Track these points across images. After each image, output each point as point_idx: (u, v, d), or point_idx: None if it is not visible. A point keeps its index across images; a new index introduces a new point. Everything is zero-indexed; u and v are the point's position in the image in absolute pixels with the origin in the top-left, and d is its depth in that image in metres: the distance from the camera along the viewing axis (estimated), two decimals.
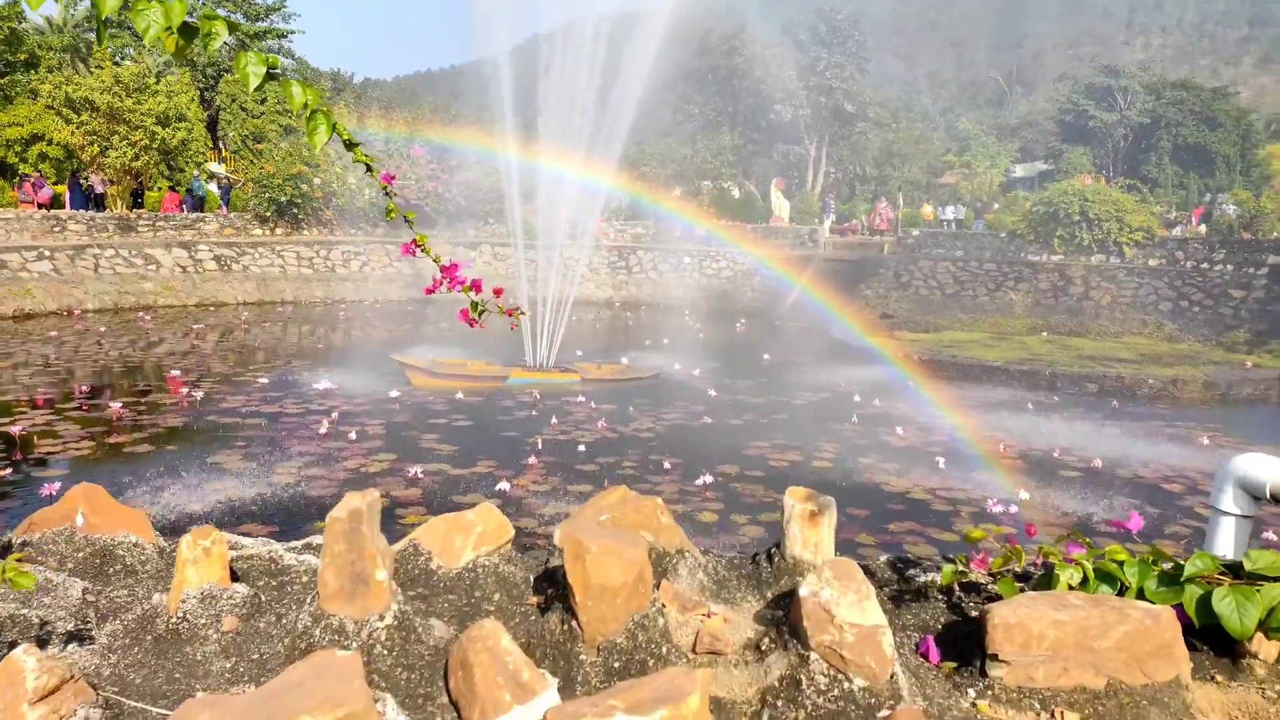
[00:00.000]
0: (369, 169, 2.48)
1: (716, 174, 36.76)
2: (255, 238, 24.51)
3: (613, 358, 15.19)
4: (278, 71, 2.08)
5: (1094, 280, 21.31)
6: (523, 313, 2.85)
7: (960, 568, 2.24)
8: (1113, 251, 21.62)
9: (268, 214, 25.02)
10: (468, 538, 2.16)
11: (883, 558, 2.52)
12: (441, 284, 2.72)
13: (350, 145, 2.39)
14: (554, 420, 10.57)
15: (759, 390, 13.15)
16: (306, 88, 2.17)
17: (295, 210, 25.17)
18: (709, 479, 8.19)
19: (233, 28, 1.91)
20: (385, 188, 2.51)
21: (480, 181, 26.25)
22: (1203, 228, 27.65)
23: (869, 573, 2.28)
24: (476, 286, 2.70)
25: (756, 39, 45.54)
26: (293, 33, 46.77)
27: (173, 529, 6.67)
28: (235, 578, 2.11)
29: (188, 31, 1.86)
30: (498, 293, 2.76)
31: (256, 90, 2.08)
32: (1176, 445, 10.43)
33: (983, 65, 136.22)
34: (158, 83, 25.94)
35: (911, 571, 2.36)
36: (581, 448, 9.34)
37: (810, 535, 2.17)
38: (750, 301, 25.34)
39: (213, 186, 27.93)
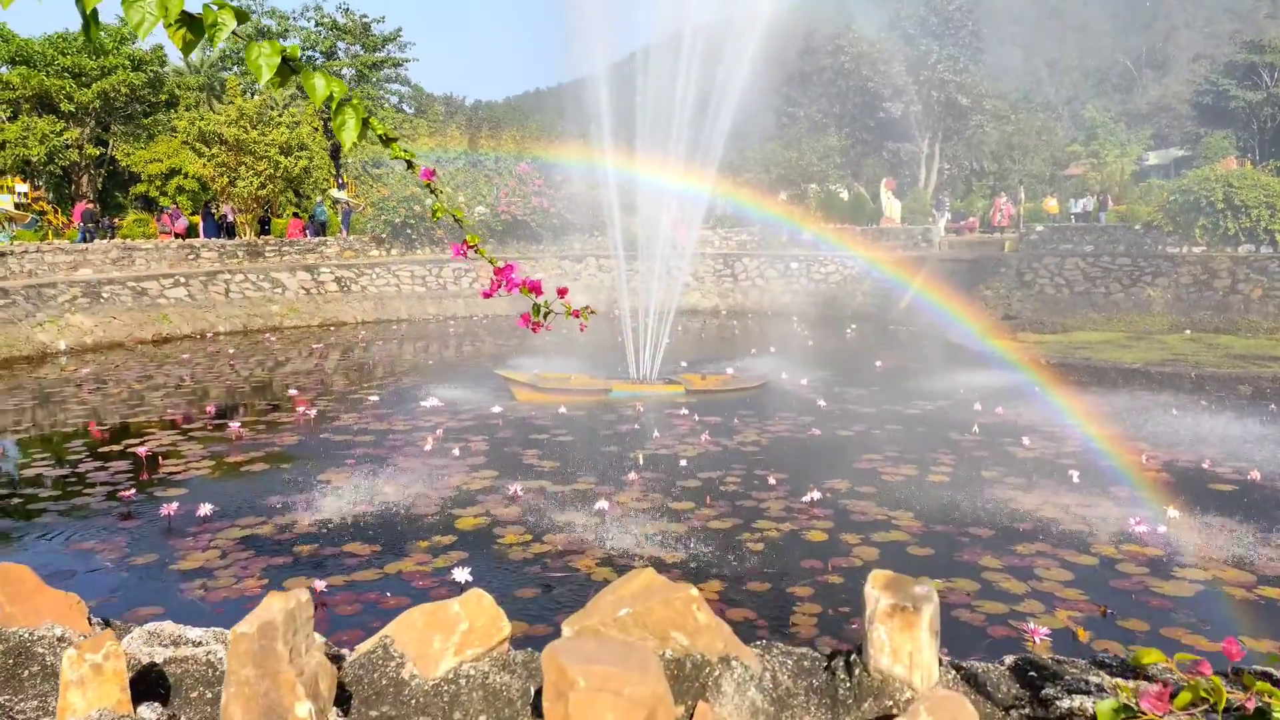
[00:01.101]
0: (410, 165, 2.31)
1: (823, 176, 35.91)
2: (372, 259, 25.42)
3: (718, 368, 14.88)
4: (296, 62, 1.92)
5: (1241, 272, 19.58)
6: (592, 311, 2.61)
7: (1126, 700, 1.51)
8: (1263, 241, 19.83)
9: (384, 235, 25.91)
10: (450, 637, 1.78)
11: (1007, 661, 2.01)
12: (500, 286, 2.53)
13: (387, 141, 2.21)
14: (656, 434, 10.35)
15: (870, 399, 12.57)
16: (331, 80, 2.00)
17: (409, 231, 25.98)
18: (817, 495, 7.78)
19: (241, 16, 1.76)
20: (428, 184, 2.34)
21: (584, 195, 26.44)
22: None
23: (986, 690, 1.76)
24: (536, 287, 2.49)
25: (863, 36, 44.37)
26: (408, 61, 48.57)
27: (280, 548, 6.79)
28: (153, 690, 1.66)
29: (193, 25, 1.71)
30: (561, 293, 2.53)
31: (272, 84, 1.92)
32: None
33: (1109, 50, 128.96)
34: (281, 115, 27.32)
35: (1048, 690, 1.82)
36: (684, 463, 9.09)
37: (902, 642, 1.70)
38: (861, 306, 24.53)
39: (336, 211, 29.20)
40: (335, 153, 37.56)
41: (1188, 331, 18.05)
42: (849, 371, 15.01)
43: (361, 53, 46.24)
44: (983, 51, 51.76)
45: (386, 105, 47.41)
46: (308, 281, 23.67)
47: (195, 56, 43.63)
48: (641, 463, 9.13)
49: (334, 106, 2.06)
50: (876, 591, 1.70)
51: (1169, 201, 21.90)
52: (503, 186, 28.57)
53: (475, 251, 2.52)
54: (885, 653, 1.68)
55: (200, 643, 1.81)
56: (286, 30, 43.78)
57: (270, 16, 43.09)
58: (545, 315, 2.55)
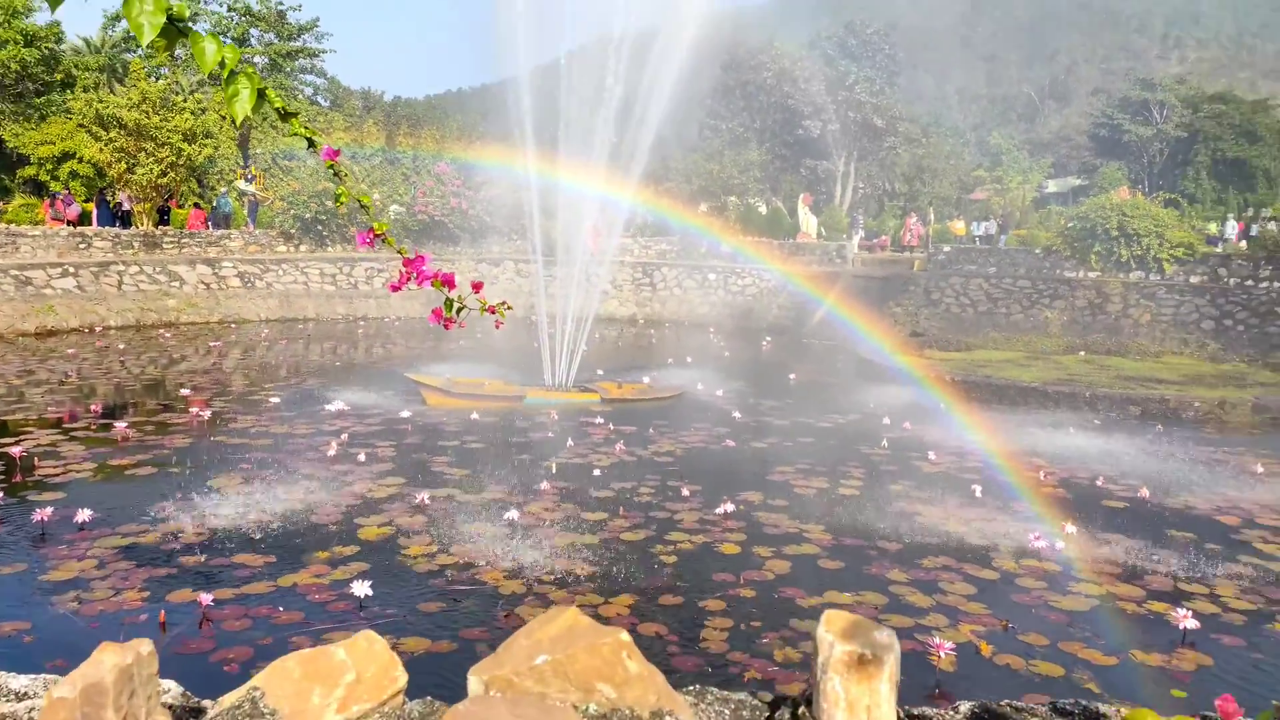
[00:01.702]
0: (311, 144, 2.13)
1: (743, 189, 36.38)
2: (280, 255, 24.49)
3: (634, 377, 14.82)
4: (184, 23, 1.74)
5: (1132, 298, 20.62)
6: (509, 308, 2.48)
7: None
8: (1152, 268, 20.93)
9: (293, 230, 25.01)
10: (333, 690, 1.46)
11: (963, 709, 1.86)
12: (409, 279, 2.36)
13: (285, 115, 2.03)
14: (570, 442, 10.20)
15: (784, 411, 12.69)
16: (223, 46, 1.82)
17: (320, 227, 25.15)
18: (730, 507, 7.77)
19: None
20: (330, 165, 2.17)
21: (504, 198, 26.09)
22: (1244, 244, 26.80)
23: None
24: (448, 281, 2.32)
25: (785, 53, 45.25)
26: (324, 52, 47.20)
27: (164, 558, 6.38)
28: None
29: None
30: (476, 288, 2.38)
31: (156, 46, 1.73)
32: (1227, 473, 9.83)
33: (1014, 80, 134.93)
34: (186, 101, 26.13)
35: None
36: (597, 472, 8.96)
37: (860, 694, 1.51)
38: (776, 319, 24.88)
39: (243, 204, 28.04)
40: (244, 142, 36.17)
41: (1082, 353, 18.88)
42: (764, 383, 15.15)
43: (276, 41, 44.72)
44: (898, 75, 53.49)
45: (300, 97, 45.95)
46: (208, 276, 22.64)
47: (96, 36, 41.50)
48: (554, 472, 8.97)
49: (225, 75, 1.88)
50: (831, 636, 1.52)
51: (1067, 228, 22.91)
52: (420, 186, 27.96)
53: (383, 241, 2.36)
54: (840, 707, 1.50)
55: (25, 695, 1.42)
56: (197, 14, 41.96)
57: None
58: (458, 311, 2.40)
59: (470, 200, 27.39)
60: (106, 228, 23.49)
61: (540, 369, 14.07)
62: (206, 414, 10.84)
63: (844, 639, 1.46)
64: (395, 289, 2.45)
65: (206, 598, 5.49)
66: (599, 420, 11.43)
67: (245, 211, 27.45)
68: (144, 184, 24.55)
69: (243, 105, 1.88)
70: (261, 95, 1.98)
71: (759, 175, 39.74)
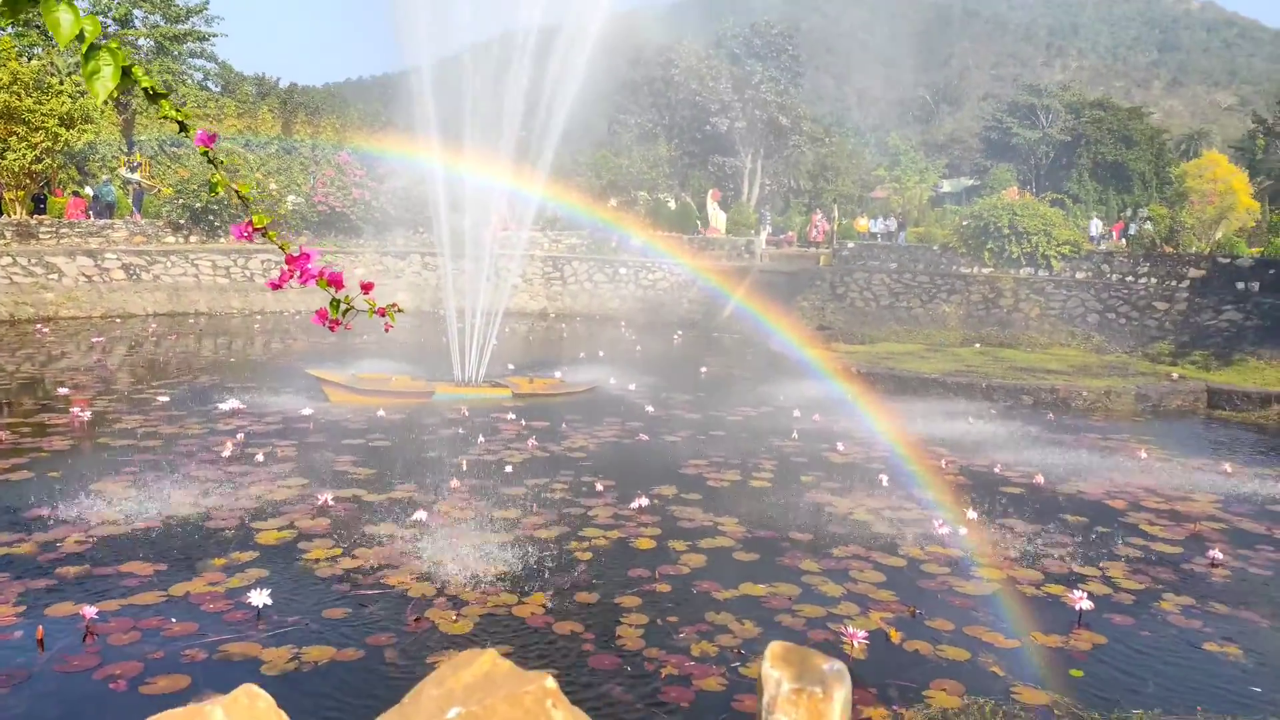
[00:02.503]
0: (182, 127, 1.97)
1: (653, 185, 36.51)
2: (168, 246, 23.26)
3: (546, 372, 14.65)
4: None
5: (1023, 293, 21.56)
6: (399, 310, 2.36)
7: None
8: (1041, 265, 21.92)
9: (182, 221, 23.81)
10: None
11: None
12: (291, 276, 2.21)
13: (155, 96, 1.86)
14: (481, 439, 9.99)
15: (696, 405, 12.76)
16: (82, 16, 1.65)
17: (212, 217, 24.00)
18: (645, 501, 7.73)
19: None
20: (205, 151, 2.00)
21: (410, 190, 25.44)
22: (1123, 242, 28.40)
23: None
24: (335, 280, 2.19)
25: (692, 51, 45.60)
26: (215, 35, 45.10)
27: (43, 570, 5.93)
28: None
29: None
30: (366, 288, 2.25)
31: (1, 13, 1.55)
32: (1115, 459, 10.35)
33: (910, 84, 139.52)
34: (63, 84, 24.52)
35: None
36: (509, 469, 8.80)
37: None
38: (687, 313, 25.04)
39: (127, 193, 26.50)
40: (128, 128, 34.25)
41: (978, 345, 19.64)
42: (676, 377, 15.19)
43: (162, 23, 42.45)
44: (801, 76, 54.61)
45: (189, 81, 43.78)
46: (90, 268, 21.31)
47: None
48: (465, 469, 8.76)
49: (84, 49, 1.69)
50: (777, 672, 1.40)
51: (962, 226, 23.79)
52: (320, 176, 27.01)
53: (264, 235, 2.20)
54: None
55: None
56: None
57: None
58: (345, 313, 2.26)
59: (374, 192, 26.62)
60: None
61: (449, 364, 13.75)
62: (88, 414, 10.17)
63: (790, 672, 1.35)
64: (275, 287, 2.30)
65: (90, 610, 5.11)
66: (510, 416, 11.24)
67: (130, 201, 25.96)
68: (16, 170, 22.92)
69: (104, 83, 1.70)
70: (126, 72, 1.80)
71: (668, 171, 39.97)
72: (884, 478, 8.86)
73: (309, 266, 2.22)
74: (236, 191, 2.32)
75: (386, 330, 2.57)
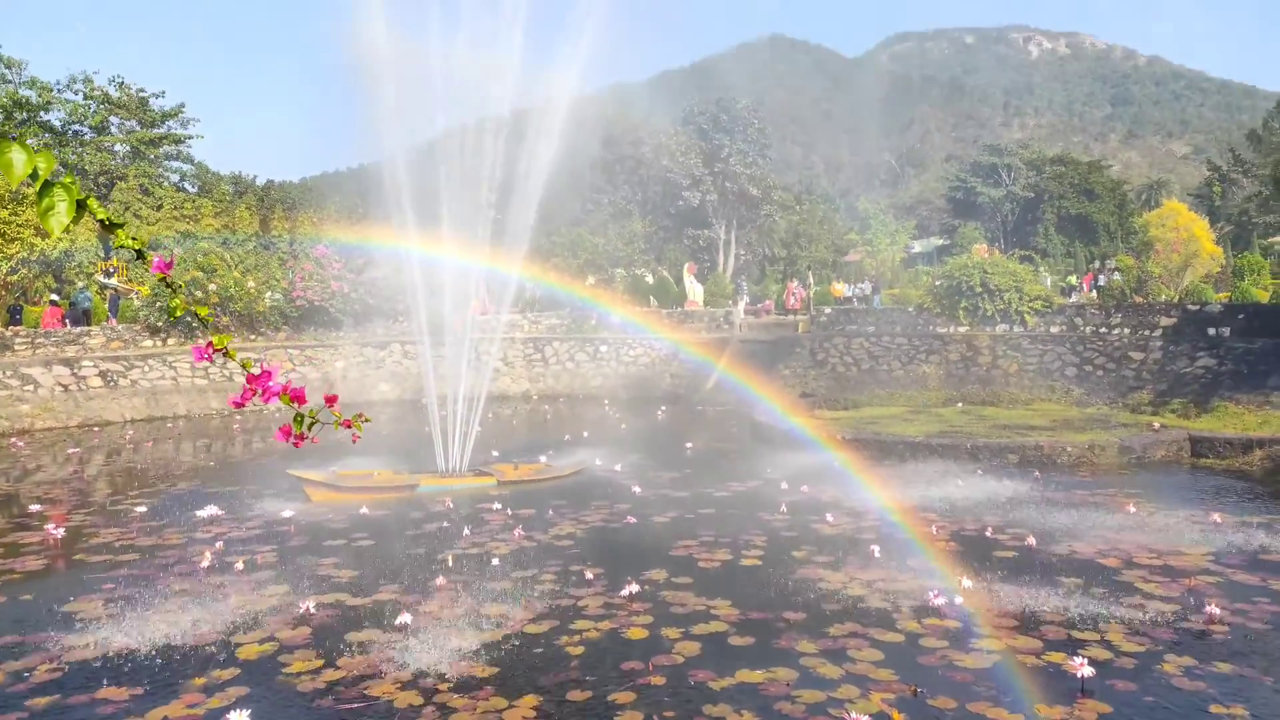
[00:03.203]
0: (139, 255, 2.00)
1: (629, 261, 36.99)
2: (145, 350, 23.17)
3: (531, 456, 14.54)
4: None
5: (1000, 349, 21.78)
6: (366, 420, 2.36)
7: None
8: (1015, 320, 22.21)
9: (160, 324, 23.78)
10: None
11: None
12: (253, 395, 2.22)
13: (111, 227, 1.89)
14: (466, 531, 9.83)
15: (684, 483, 12.66)
16: (34, 153, 1.67)
17: (189, 318, 23.98)
18: (635, 588, 7.59)
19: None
20: (162, 277, 2.02)
21: (388, 279, 25.59)
22: (1094, 293, 28.88)
23: None
24: (298, 396, 2.19)
25: (661, 129, 46.78)
26: (191, 138, 45.91)
27: (11, 702, 5.71)
28: None
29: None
30: (330, 401, 2.25)
31: None
32: (1104, 514, 10.31)
33: (875, 149, 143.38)
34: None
35: None
36: (496, 561, 8.64)
37: None
38: (670, 387, 25.08)
39: (104, 298, 26.51)
40: (105, 233, 34.47)
41: (960, 404, 19.72)
42: (661, 454, 15.12)
43: (138, 128, 43.18)
44: (768, 147, 56.00)
45: (166, 184, 44.30)
46: (66, 377, 21.15)
47: None
48: (451, 564, 8.60)
49: (38, 186, 1.71)
50: None
51: (935, 286, 24.16)
52: (298, 270, 27.16)
53: (225, 355, 2.22)
54: None
55: None
56: (49, 103, 40.14)
57: (30, 87, 39.41)
58: (310, 426, 2.25)
59: (352, 283, 26.76)
60: None
61: (433, 454, 13.63)
62: (61, 531, 9.94)
63: None
64: (238, 405, 2.32)
65: None
66: (496, 506, 11.10)
67: (106, 306, 25.96)
68: None
69: (59, 219, 1.73)
70: (81, 205, 1.83)
71: (643, 246, 40.55)
72: (875, 548, 8.77)
73: (270, 385, 2.23)
74: (195, 314, 2.34)
75: (354, 441, 2.55)
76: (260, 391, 2.23)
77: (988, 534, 9.45)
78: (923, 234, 63.86)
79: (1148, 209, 48.00)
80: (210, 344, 2.22)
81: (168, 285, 2.20)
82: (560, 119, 15.45)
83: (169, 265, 2.18)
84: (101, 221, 2.01)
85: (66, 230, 1.96)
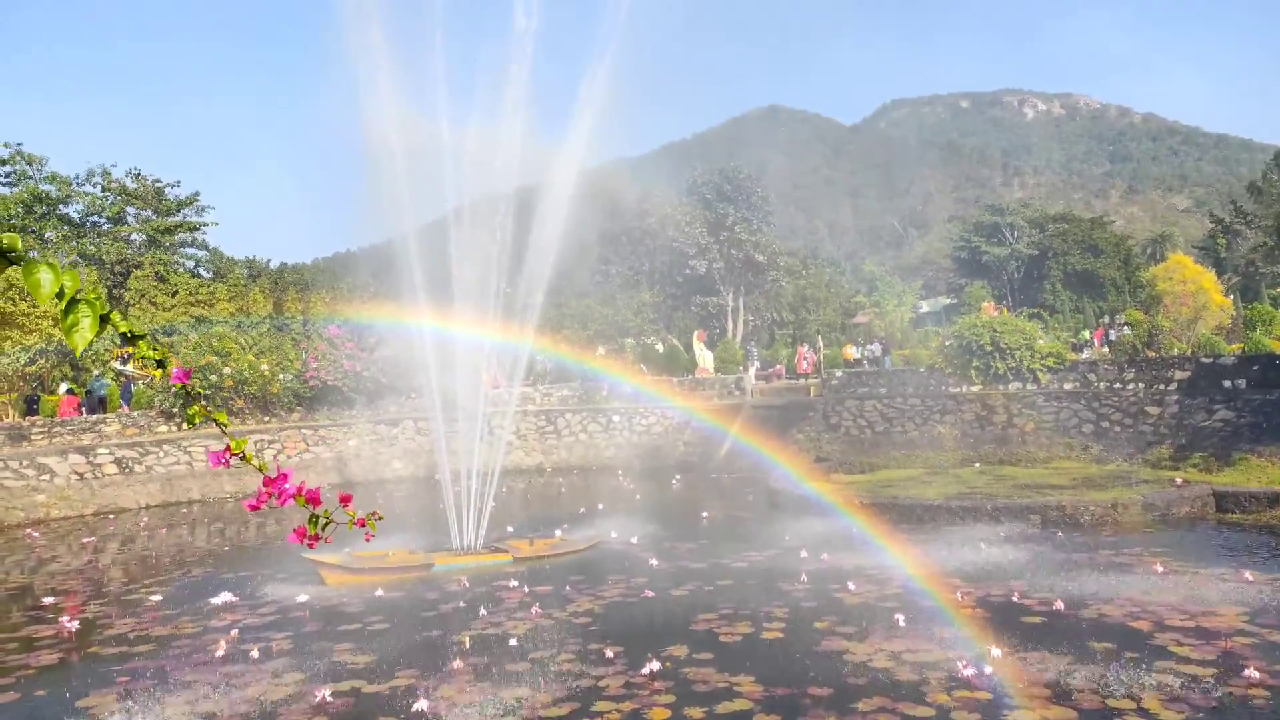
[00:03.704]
0: (160, 365, 2.04)
1: (639, 330, 37.22)
2: (160, 435, 23.29)
3: (546, 531, 14.41)
4: (17, 253, 1.66)
5: (1015, 408, 21.63)
6: (380, 518, 2.37)
7: None
8: (1028, 378, 22.11)
9: (174, 409, 23.93)
10: None
11: None
12: (269, 498, 2.23)
13: (133, 338, 1.93)
14: (483, 611, 9.70)
15: (701, 554, 12.50)
16: (61, 272, 1.73)
17: (204, 402, 24.14)
18: (656, 665, 7.44)
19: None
20: (181, 388, 2.05)
21: (399, 356, 25.79)
22: (1105, 349, 28.82)
23: None
24: (313, 498, 2.21)
25: (666, 199, 47.54)
26: (206, 225, 46.89)
27: None
28: None
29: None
30: (345, 500, 2.27)
31: None
32: (1132, 576, 10.09)
33: (877, 212, 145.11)
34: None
35: None
36: (514, 642, 8.50)
37: None
38: (684, 455, 24.94)
39: (119, 384, 26.76)
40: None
41: (977, 465, 19.51)
42: (678, 525, 14.96)
43: (154, 217, 44.18)
44: (772, 214, 56.73)
45: (182, 270, 45.12)
46: (82, 465, 21.21)
47: None
48: (468, 646, 8.46)
49: (62, 305, 1.77)
50: None
51: (946, 346, 24.14)
52: (311, 351, 27.42)
53: (242, 459, 2.24)
54: None
55: None
56: (68, 196, 41.22)
57: (50, 182, 40.54)
58: (324, 527, 2.27)
59: (364, 362, 26.97)
60: None
61: (447, 531, 13.54)
62: (76, 624, 9.85)
63: None
64: (254, 508, 2.33)
65: None
66: (513, 583, 10.97)
67: (120, 393, 26.18)
68: (10, 374, 23.22)
69: (83, 335, 1.79)
70: (105, 319, 1.89)
71: (652, 315, 40.85)
72: (900, 617, 8.59)
73: (285, 487, 2.25)
74: (214, 420, 2.38)
75: (367, 540, 2.55)
76: (277, 494, 2.26)
77: (1014, 599, 9.25)
78: (930, 294, 64.13)
79: (1153, 263, 48.21)
80: (228, 449, 2.25)
81: (186, 394, 2.24)
82: (566, 194, 15.78)
83: (187, 375, 2.22)
84: (123, 334, 2.07)
85: (89, 343, 2.04)
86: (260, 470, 2.29)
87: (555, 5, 19.69)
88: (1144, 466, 17.70)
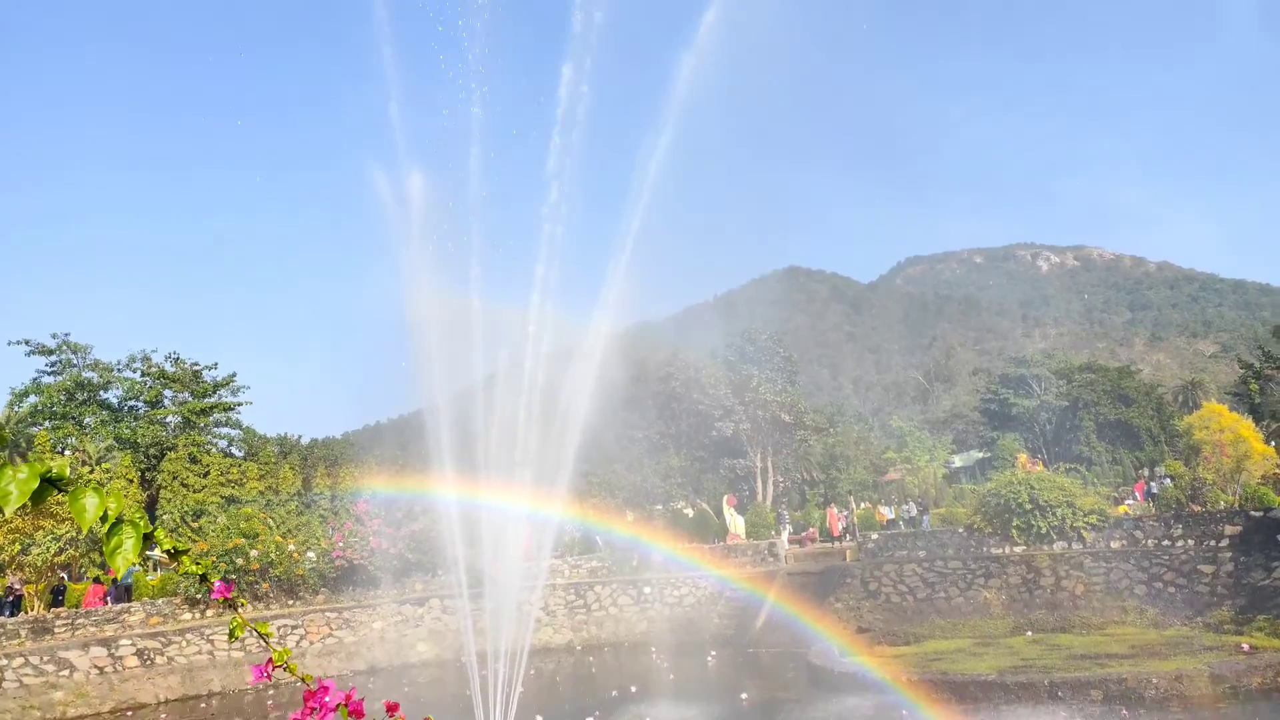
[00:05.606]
0: (203, 579, 2.03)
1: (667, 496, 36.78)
2: (184, 623, 22.84)
3: None
4: (65, 480, 1.69)
5: (1062, 569, 20.77)
6: None
7: None
8: (1072, 537, 21.36)
9: (199, 595, 23.60)
10: None
11: None
12: (311, 712, 2.15)
13: (176, 554, 1.94)
14: None
15: None
16: (105, 495, 1.74)
17: (239, 593, 23.84)
18: None
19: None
20: (224, 600, 2.04)
21: (427, 532, 25.53)
22: (1148, 503, 27.95)
23: None
24: (357, 710, 2.14)
25: (690, 364, 48.15)
26: (241, 405, 47.96)
27: None
28: None
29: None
30: (391, 710, 2.20)
31: (30, 504, 1.71)
32: None
33: (901, 366, 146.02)
34: (92, 472, 25.60)
35: None
36: None
37: None
38: (719, 628, 23.96)
39: (145, 570, 26.57)
40: (151, 504, 35.20)
41: (1029, 633, 18.53)
42: (716, 708, 14.18)
43: (190, 399, 45.30)
44: (796, 373, 57.19)
45: (214, 450, 45.74)
46: (102, 658, 20.71)
47: (1, 413, 41.25)
48: None
49: (106, 529, 1.78)
50: None
51: (984, 505, 23.53)
52: (339, 528, 27.24)
53: (286, 669, 2.19)
54: None
55: None
56: (109, 382, 42.56)
57: (92, 369, 41.99)
58: None
59: (391, 538, 26.67)
60: None
61: None
62: None
63: None
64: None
65: None
66: None
67: (146, 579, 25.93)
68: (39, 565, 23.18)
69: (126, 557, 1.79)
70: (148, 538, 1.90)
71: (680, 481, 40.48)
72: None
73: (327, 700, 2.19)
74: (257, 631, 2.33)
75: None
76: (319, 709, 2.21)
77: None
78: (961, 448, 63.29)
79: (1186, 410, 47.56)
80: (271, 661, 2.22)
81: (229, 604, 2.23)
82: (596, 360, 16.04)
83: (229, 589, 2.22)
84: (167, 551, 2.08)
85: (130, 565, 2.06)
86: (304, 681, 2.21)
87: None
88: (1205, 631, 16.73)
